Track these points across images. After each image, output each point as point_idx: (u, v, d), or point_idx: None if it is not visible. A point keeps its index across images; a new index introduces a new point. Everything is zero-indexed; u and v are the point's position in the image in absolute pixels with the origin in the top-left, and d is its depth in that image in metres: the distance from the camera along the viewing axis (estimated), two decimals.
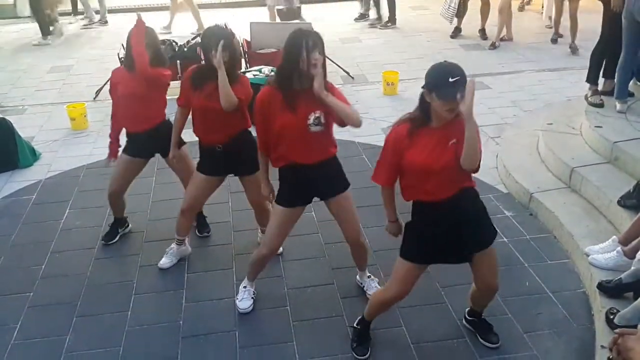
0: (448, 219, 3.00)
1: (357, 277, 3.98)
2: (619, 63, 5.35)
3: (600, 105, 5.49)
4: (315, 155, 3.39)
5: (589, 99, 5.64)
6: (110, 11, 11.18)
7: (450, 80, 2.73)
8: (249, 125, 3.91)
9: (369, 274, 3.92)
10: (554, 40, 8.80)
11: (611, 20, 5.46)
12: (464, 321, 3.62)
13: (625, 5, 5.09)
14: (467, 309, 3.59)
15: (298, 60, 3.16)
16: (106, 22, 10.95)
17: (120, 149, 4.41)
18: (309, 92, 3.24)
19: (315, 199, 3.66)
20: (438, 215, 3.01)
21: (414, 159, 2.92)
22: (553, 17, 8.84)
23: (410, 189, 3.05)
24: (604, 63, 5.74)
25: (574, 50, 8.24)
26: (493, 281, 3.26)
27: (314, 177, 3.44)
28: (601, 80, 5.80)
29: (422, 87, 2.87)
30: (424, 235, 3.08)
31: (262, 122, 3.39)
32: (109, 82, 4.31)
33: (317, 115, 3.28)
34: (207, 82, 3.69)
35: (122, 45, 4.39)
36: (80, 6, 11.25)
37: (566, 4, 8.20)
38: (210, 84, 3.67)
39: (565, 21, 8.42)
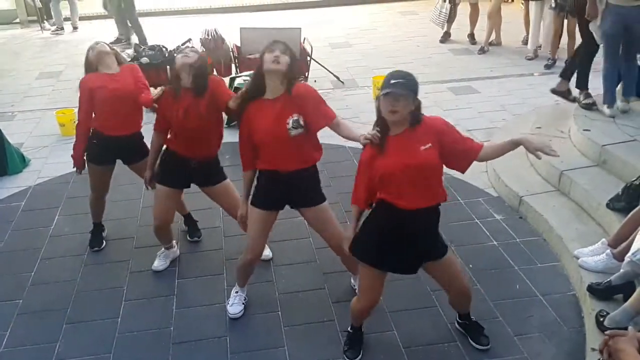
0: (410, 228, 3.02)
1: (352, 279, 3.98)
2: (603, 71, 5.48)
3: (593, 105, 5.58)
4: (295, 162, 3.39)
5: (582, 102, 5.74)
6: (82, 18, 11.10)
7: (392, 81, 2.83)
8: (219, 145, 3.97)
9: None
10: (549, 66, 7.93)
11: (586, 27, 5.66)
12: (455, 324, 3.63)
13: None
14: (457, 314, 3.60)
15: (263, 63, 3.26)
16: (76, 28, 10.80)
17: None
18: (283, 97, 3.29)
19: None
20: (402, 223, 3.01)
21: (384, 168, 2.92)
22: (550, 40, 7.96)
23: (383, 193, 3.02)
24: (576, 71, 5.98)
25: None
26: (459, 284, 3.30)
27: (290, 185, 3.44)
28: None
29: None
30: (381, 237, 3.07)
31: (247, 137, 3.42)
32: (80, 90, 4.14)
33: (295, 118, 3.28)
34: (182, 98, 3.70)
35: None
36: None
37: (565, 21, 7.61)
38: (185, 101, 3.68)
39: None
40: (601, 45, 5.57)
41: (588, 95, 5.75)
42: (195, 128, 3.73)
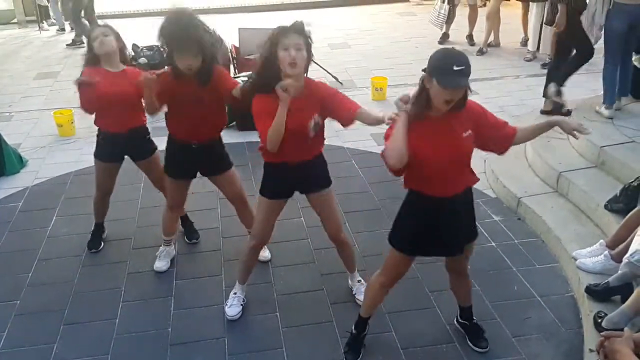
0: (447, 216, 2.97)
1: (348, 280, 3.98)
2: (603, 71, 5.56)
3: (562, 107, 5.85)
4: (307, 154, 3.39)
5: (552, 97, 5.95)
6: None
7: (455, 68, 2.62)
8: (224, 125, 3.94)
9: (359, 278, 3.91)
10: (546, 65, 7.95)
11: (564, 40, 5.93)
12: (455, 322, 3.61)
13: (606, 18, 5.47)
14: (458, 312, 3.59)
15: (277, 63, 3.10)
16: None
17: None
18: (302, 92, 3.20)
19: (304, 205, 3.66)
20: (438, 211, 2.95)
21: (419, 147, 2.75)
22: (549, 45, 7.75)
23: (414, 178, 2.92)
24: (545, 83, 6.14)
25: None
26: (463, 268, 3.32)
27: (298, 175, 3.43)
28: (542, 100, 6.24)
29: (423, 70, 2.76)
30: (417, 227, 3.02)
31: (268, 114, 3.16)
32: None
33: (316, 120, 3.26)
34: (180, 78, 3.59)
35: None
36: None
37: None
38: (188, 87, 3.59)
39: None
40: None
41: (559, 93, 5.89)
42: (195, 113, 3.68)
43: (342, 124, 3.35)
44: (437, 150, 2.80)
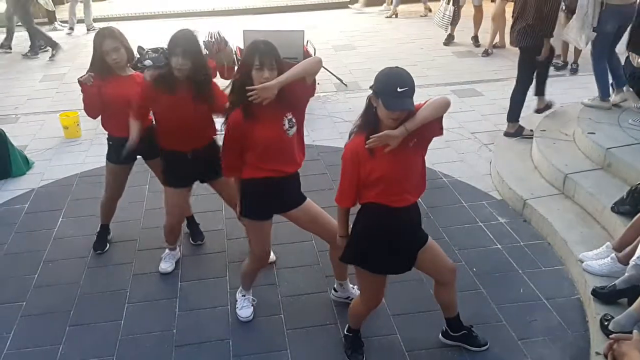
0: (403, 226, 3.01)
1: (348, 286, 3.91)
2: (594, 71, 5.79)
3: (522, 131, 5.90)
4: (292, 164, 3.38)
5: (510, 131, 5.99)
6: (96, 20, 11.09)
7: (399, 90, 2.69)
8: (215, 134, 3.92)
9: (352, 285, 3.86)
10: (559, 68, 7.99)
11: (527, 64, 5.90)
12: (443, 339, 3.52)
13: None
14: (445, 327, 3.50)
15: (251, 77, 3.10)
16: (89, 30, 10.79)
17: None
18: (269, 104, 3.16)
19: None
20: (395, 222, 2.98)
21: (380, 170, 2.84)
22: (558, 46, 7.77)
23: (373, 194, 2.93)
24: (535, 83, 6.11)
25: (573, 70, 7.91)
26: (446, 265, 3.24)
27: (281, 190, 3.40)
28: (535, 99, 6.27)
29: (370, 87, 2.82)
30: (376, 241, 3.03)
31: (237, 143, 3.26)
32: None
33: (289, 117, 3.24)
34: (174, 90, 3.66)
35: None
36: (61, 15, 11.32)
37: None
38: (175, 94, 3.66)
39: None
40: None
41: (516, 126, 5.96)
42: (186, 122, 3.72)
43: (307, 93, 3.28)
44: (392, 167, 2.84)
